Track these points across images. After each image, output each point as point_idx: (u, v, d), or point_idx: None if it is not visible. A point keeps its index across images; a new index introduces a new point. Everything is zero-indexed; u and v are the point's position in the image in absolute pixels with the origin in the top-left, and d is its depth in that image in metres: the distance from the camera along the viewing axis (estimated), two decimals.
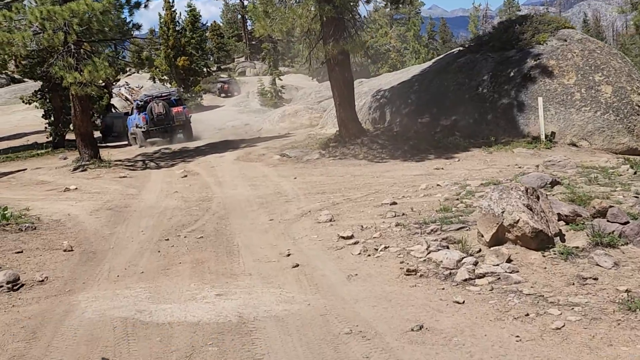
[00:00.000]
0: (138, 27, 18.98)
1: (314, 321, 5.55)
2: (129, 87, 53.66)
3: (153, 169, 17.42)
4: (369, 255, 7.32)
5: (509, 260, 6.55)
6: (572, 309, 5.37)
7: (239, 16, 78.29)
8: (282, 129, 25.33)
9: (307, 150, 17.17)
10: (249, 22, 76.40)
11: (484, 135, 16.67)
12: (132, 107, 27.13)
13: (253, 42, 75.76)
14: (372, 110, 20.28)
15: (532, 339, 4.93)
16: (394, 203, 9.99)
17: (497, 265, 6.44)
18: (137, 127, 25.07)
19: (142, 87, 57.81)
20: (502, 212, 6.99)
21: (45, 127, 28.17)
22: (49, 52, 19.55)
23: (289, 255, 7.75)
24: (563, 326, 5.07)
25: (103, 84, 23.62)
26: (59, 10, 15.61)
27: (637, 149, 15.91)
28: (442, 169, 13.79)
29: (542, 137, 15.85)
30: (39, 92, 27.18)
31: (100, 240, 9.30)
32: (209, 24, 72.91)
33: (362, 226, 8.58)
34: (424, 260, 6.88)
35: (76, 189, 14.32)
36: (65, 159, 21.44)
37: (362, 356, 4.81)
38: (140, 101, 25.97)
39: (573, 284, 5.94)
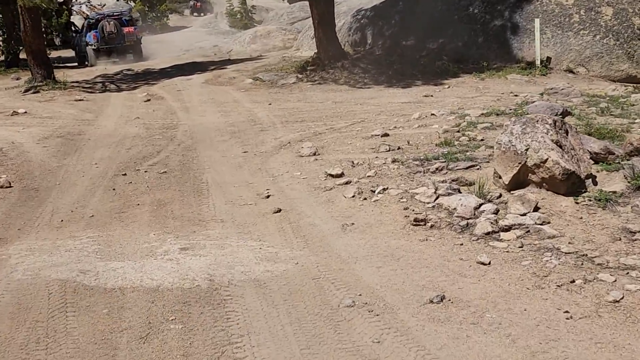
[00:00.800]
0: None
1: (305, 288, 4.38)
2: (91, 5, 50.73)
3: (113, 92, 15.80)
4: (365, 199, 6.12)
5: (536, 209, 5.42)
6: (627, 273, 4.27)
7: None
8: (253, 51, 23.63)
9: (282, 74, 15.71)
10: None
11: (475, 60, 15.37)
12: (83, 25, 26.74)
13: None
14: (352, 32, 18.75)
15: (585, 315, 3.84)
16: (386, 135, 8.77)
17: (524, 214, 5.30)
18: (87, 45, 24.67)
19: (104, 5, 54.72)
20: (526, 150, 5.82)
21: None
22: None
23: (268, 196, 6.53)
24: (622, 298, 3.98)
25: None
26: None
27: (636, 76, 14.80)
28: (432, 96, 12.55)
29: (538, 62, 14.62)
30: None
31: (45, 174, 7.95)
32: None
33: (352, 162, 7.36)
34: (433, 206, 5.72)
35: (25, 112, 12.78)
36: (17, 79, 19.60)
37: (372, 340, 3.68)
38: (92, 19, 25.47)
39: (620, 239, 4.84)
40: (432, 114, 10.01)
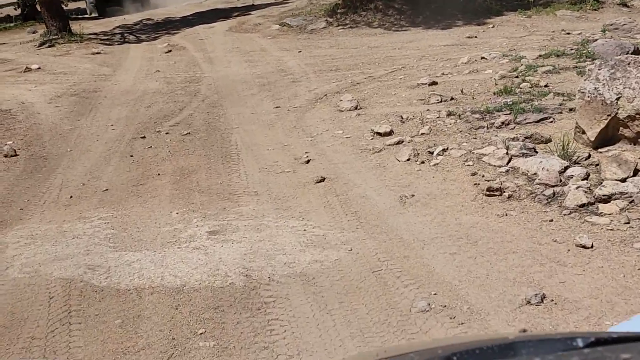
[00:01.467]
0: None
1: (365, 284, 3.50)
2: None
3: (132, 44, 14.84)
4: (423, 163, 5.18)
5: (636, 172, 4.44)
6: None
7: None
8: None
9: (310, 19, 14.58)
10: None
11: None
12: None
13: None
14: None
15: None
16: (434, 83, 7.76)
17: (624, 180, 4.34)
18: None
19: None
20: (617, 99, 4.82)
21: None
22: None
23: (308, 161, 5.61)
24: None
25: None
26: None
27: None
28: (476, 37, 11.41)
29: None
30: None
31: (56, 139, 7.11)
32: None
33: (401, 117, 6.39)
34: (507, 171, 4.76)
35: (39, 68, 11.94)
36: (34, 32, 18.73)
37: None
38: None
39: None
40: (483, 58, 8.93)
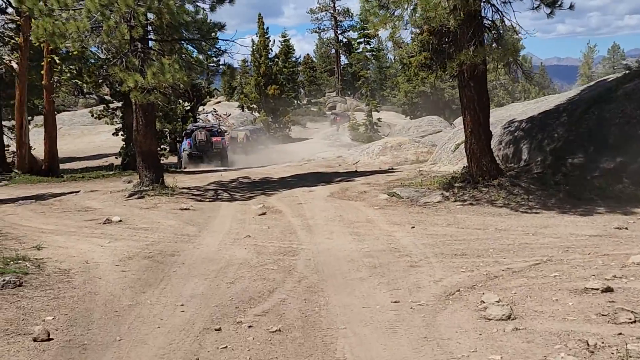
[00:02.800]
0: (221, 26, 15.42)
1: None
2: (217, 114, 51.42)
3: (225, 201, 13.63)
4: None
5: None
6: None
7: (333, 51, 75.61)
8: (382, 163, 21.24)
9: (423, 191, 13.01)
10: (342, 57, 73.79)
11: None
12: (184, 134, 30.57)
13: (345, 78, 73.02)
14: (504, 145, 15.93)
15: None
16: (609, 289, 5.75)
17: None
18: (183, 150, 28.49)
19: (229, 115, 55.55)
20: None
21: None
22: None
23: None
24: None
25: (182, 89, 20.00)
26: None
27: None
28: (626, 228, 9.42)
29: None
30: (109, 107, 24.35)
31: (108, 318, 5.45)
32: (301, 59, 71.02)
33: (586, 342, 4.37)
34: None
35: (120, 221, 10.75)
36: (129, 182, 18.14)
37: None
38: (189, 130, 29.57)
39: None
40: None
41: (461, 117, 13.87)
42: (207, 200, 13.83)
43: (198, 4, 14.41)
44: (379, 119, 44.15)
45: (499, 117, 19.53)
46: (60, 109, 55.12)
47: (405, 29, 11.76)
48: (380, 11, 11.74)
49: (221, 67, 15.87)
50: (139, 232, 9.78)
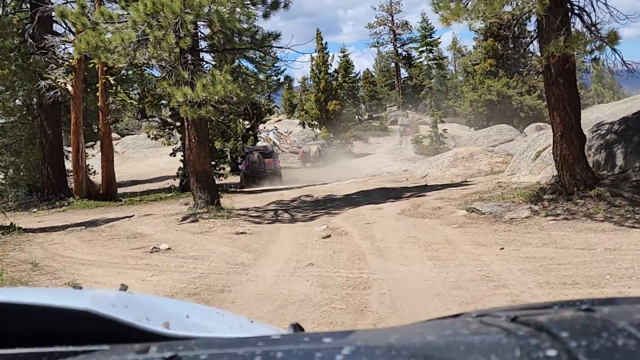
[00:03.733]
0: (276, 36, 14.32)
1: None
2: (278, 132, 50.73)
3: (285, 223, 12.41)
4: None
5: None
6: None
7: (392, 64, 74.20)
8: (454, 175, 19.69)
9: (507, 205, 11.47)
10: (402, 70, 72.34)
11: None
12: (241, 155, 32.67)
13: (406, 91, 71.45)
14: (595, 151, 14.20)
15: None
16: None
17: None
18: (240, 171, 30.55)
19: (290, 133, 54.76)
20: None
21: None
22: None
23: None
24: None
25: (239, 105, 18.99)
26: (167, 1, 11.32)
27: None
28: None
29: None
30: (166, 127, 23.64)
31: None
32: (360, 74, 69.90)
33: None
34: None
35: (168, 249, 9.66)
36: (186, 204, 17.20)
37: None
38: (245, 152, 31.53)
39: None
40: None
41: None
42: (266, 222, 12.64)
43: (250, 8, 13.26)
44: (444, 130, 42.43)
45: (584, 119, 17.77)
46: (124, 133, 55.68)
47: (479, 19, 10.33)
48: (451, 3, 10.35)
49: (280, 77, 14.63)
50: (188, 262, 8.63)
